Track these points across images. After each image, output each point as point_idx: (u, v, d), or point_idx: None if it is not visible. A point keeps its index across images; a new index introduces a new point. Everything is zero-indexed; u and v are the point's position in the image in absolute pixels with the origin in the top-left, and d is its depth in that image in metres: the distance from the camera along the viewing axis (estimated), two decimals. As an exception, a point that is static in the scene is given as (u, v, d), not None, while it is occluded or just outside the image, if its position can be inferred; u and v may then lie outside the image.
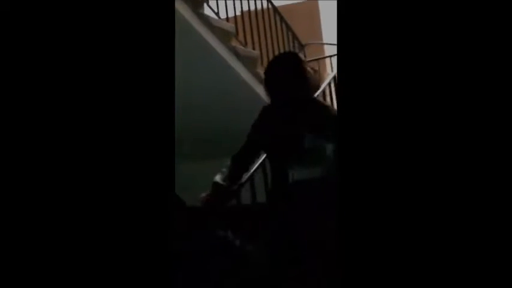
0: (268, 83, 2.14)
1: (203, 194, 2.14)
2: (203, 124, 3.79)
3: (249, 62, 3.95)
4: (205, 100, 3.72)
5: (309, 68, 2.10)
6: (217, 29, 3.60)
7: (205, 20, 3.49)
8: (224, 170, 2.15)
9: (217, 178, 2.11)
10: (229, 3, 4.08)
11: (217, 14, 3.86)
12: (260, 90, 4.10)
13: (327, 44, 6.70)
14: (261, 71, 4.12)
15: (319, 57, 5.79)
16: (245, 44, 4.13)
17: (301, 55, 2.32)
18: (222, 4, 3.97)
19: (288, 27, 5.01)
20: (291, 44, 5.05)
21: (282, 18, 4.87)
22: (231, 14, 4.08)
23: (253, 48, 4.23)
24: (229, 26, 3.89)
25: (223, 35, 3.69)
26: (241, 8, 4.22)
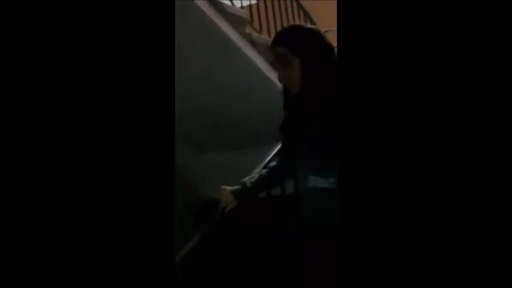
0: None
1: (226, 187, 2.03)
2: (217, 112, 3.73)
3: (263, 49, 3.86)
4: (218, 88, 3.66)
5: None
6: (231, 16, 3.53)
7: (219, 6, 3.41)
8: (263, 173, 1.96)
9: (247, 179, 1.97)
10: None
11: (231, 0, 3.78)
12: (275, 78, 4.02)
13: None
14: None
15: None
16: (260, 31, 4.04)
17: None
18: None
19: (306, 14, 4.89)
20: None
21: (299, 4, 4.75)
22: (246, 3, 4.00)
23: (269, 36, 4.14)
24: (244, 13, 3.82)
25: (237, 21, 3.61)
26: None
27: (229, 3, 3.69)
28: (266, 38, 4.06)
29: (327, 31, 5.42)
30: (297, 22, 4.61)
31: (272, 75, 3.91)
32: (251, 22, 3.94)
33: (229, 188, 1.97)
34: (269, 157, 2.46)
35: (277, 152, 1.99)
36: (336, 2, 1.28)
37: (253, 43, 3.75)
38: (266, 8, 4.15)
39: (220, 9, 3.42)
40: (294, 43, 1.71)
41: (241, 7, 3.91)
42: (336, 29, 1.30)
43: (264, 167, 2.16)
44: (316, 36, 1.75)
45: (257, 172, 2.01)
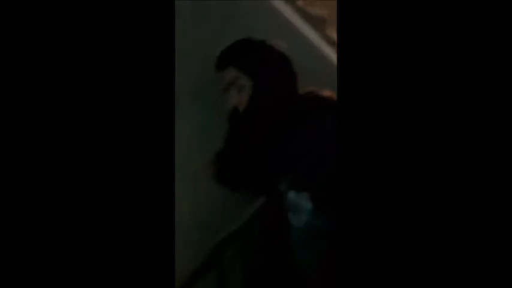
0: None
1: None
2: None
3: (317, 23, 3.77)
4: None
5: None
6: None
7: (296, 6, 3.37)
8: None
9: None
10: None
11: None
12: (329, 52, 3.93)
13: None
14: (330, 33, 3.95)
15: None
16: (313, 4, 3.95)
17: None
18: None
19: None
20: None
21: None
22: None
23: (323, 8, 4.04)
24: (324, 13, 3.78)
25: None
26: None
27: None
28: (320, 11, 3.97)
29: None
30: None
31: (327, 50, 3.81)
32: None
33: None
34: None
35: None
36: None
37: (306, 16, 3.67)
38: None
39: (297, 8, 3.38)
40: (245, 65, 1.64)
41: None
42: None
43: None
44: (267, 51, 1.70)
45: None
